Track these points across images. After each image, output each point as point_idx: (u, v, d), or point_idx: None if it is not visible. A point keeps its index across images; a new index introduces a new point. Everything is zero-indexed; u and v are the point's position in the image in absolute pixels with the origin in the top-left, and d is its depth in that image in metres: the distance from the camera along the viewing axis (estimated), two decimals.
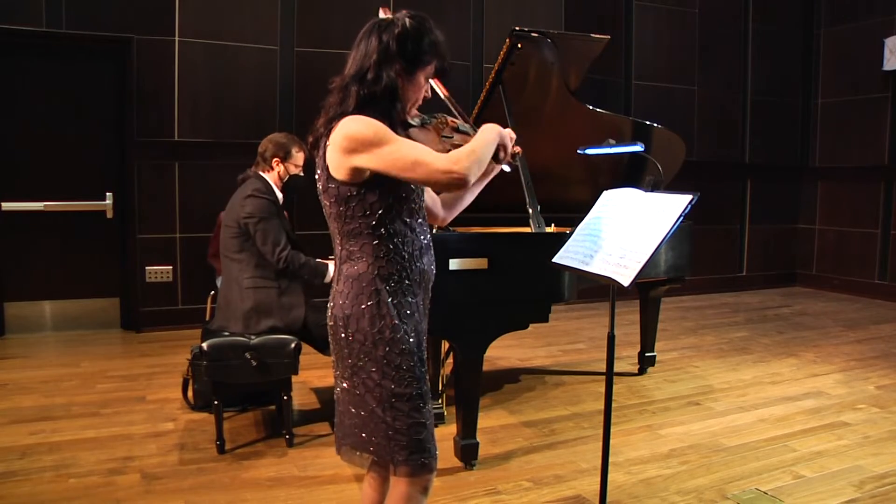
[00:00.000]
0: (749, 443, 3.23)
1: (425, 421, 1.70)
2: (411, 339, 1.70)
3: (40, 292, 5.15)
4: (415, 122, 1.77)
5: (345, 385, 1.74)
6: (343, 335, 1.69)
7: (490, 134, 1.71)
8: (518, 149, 1.81)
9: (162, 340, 5.04)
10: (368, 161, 1.59)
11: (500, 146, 1.74)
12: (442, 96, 1.82)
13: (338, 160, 1.62)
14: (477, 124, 1.96)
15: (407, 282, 1.70)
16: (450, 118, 1.82)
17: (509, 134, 1.77)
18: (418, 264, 1.73)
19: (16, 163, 4.99)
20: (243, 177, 4.40)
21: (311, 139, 1.73)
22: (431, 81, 1.79)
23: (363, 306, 1.66)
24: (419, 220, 1.74)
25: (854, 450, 3.15)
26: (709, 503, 2.64)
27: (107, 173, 5.24)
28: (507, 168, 1.83)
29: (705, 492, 2.73)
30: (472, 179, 1.61)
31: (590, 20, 6.44)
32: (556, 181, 3.81)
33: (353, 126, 1.59)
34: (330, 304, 1.74)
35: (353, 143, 1.58)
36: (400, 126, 1.71)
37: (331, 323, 1.73)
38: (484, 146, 1.67)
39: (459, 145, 1.77)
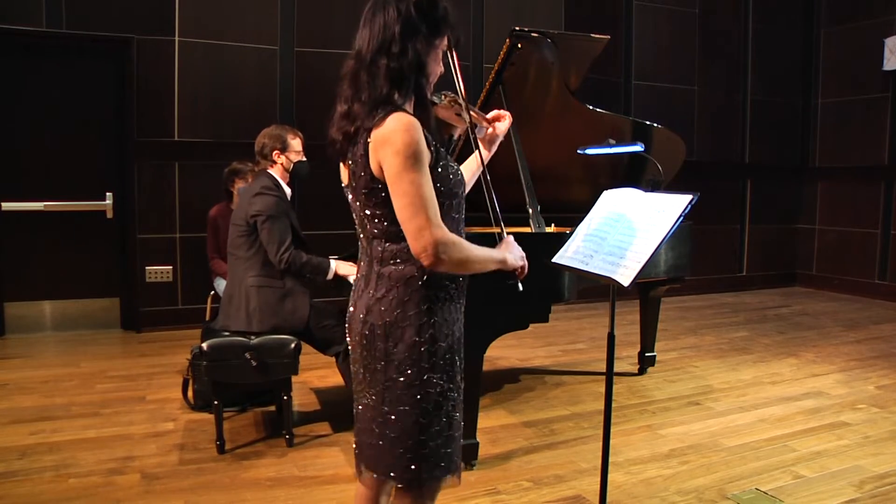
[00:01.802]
0: (749, 443, 3.23)
1: (455, 433, 1.63)
2: (455, 348, 1.61)
3: (40, 292, 5.15)
4: (435, 99, 1.72)
5: (370, 402, 1.61)
6: (381, 345, 1.56)
7: (495, 255, 1.63)
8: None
9: (162, 340, 5.04)
10: (387, 167, 1.48)
11: (516, 268, 1.70)
12: (456, 72, 1.73)
13: (374, 157, 1.49)
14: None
15: (454, 285, 1.61)
16: (456, 96, 1.79)
17: (521, 260, 1.71)
18: None
19: (16, 163, 4.99)
20: (230, 169, 4.42)
21: (342, 130, 1.56)
22: (451, 56, 1.70)
23: (411, 313, 1.54)
24: (462, 215, 1.66)
25: (854, 450, 3.15)
26: (709, 503, 2.64)
27: (107, 173, 5.24)
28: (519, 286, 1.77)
29: (705, 492, 2.73)
30: (437, 269, 1.51)
31: (590, 20, 6.44)
32: (556, 181, 3.81)
33: (400, 130, 1.46)
34: (363, 311, 1.59)
35: (388, 144, 1.47)
36: (428, 103, 1.62)
37: (366, 332, 1.58)
38: (480, 262, 1.58)
39: (472, 124, 1.77)
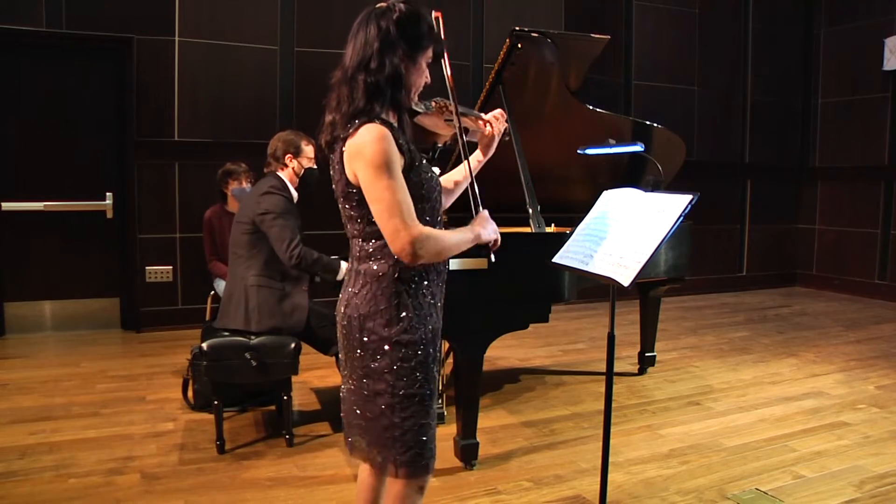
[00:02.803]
0: (749, 443, 3.23)
1: (431, 421, 1.70)
2: (427, 340, 1.68)
3: (40, 292, 5.15)
4: (419, 108, 1.78)
5: (351, 385, 1.74)
6: (358, 335, 1.68)
7: (468, 235, 1.72)
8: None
9: (162, 340, 5.04)
10: (361, 176, 1.58)
11: (490, 241, 1.78)
12: (446, 79, 1.81)
13: (349, 165, 1.61)
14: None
15: (426, 282, 1.70)
16: (448, 102, 1.83)
17: (494, 233, 1.79)
18: (436, 263, 1.72)
19: (16, 163, 4.99)
20: (223, 171, 4.43)
21: (325, 139, 1.69)
22: (443, 62, 1.78)
23: (382, 307, 1.65)
24: (438, 219, 1.75)
25: (854, 450, 3.15)
26: (709, 503, 2.65)
27: (107, 173, 5.25)
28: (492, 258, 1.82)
29: (705, 492, 2.73)
30: (417, 263, 1.60)
31: (590, 20, 6.45)
32: (556, 181, 3.81)
33: (370, 141, 1.56)
34: (343, 304, 1.72)
35: (361, 155, 1.57)
36: (406, 112, 1.71)
37: (344, 322, 1.72)
38: (457, 246, 1.68)
39: (463, 128, 1.80)
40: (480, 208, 1.82)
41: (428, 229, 1.61)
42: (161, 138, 5.24)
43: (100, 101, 5.18)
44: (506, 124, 1.95)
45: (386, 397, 1.66)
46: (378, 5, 1.66)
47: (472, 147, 1.95)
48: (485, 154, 1.96)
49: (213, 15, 5.30)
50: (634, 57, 6.84)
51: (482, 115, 1.92)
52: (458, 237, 1.69)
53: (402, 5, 1.65)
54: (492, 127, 1.91)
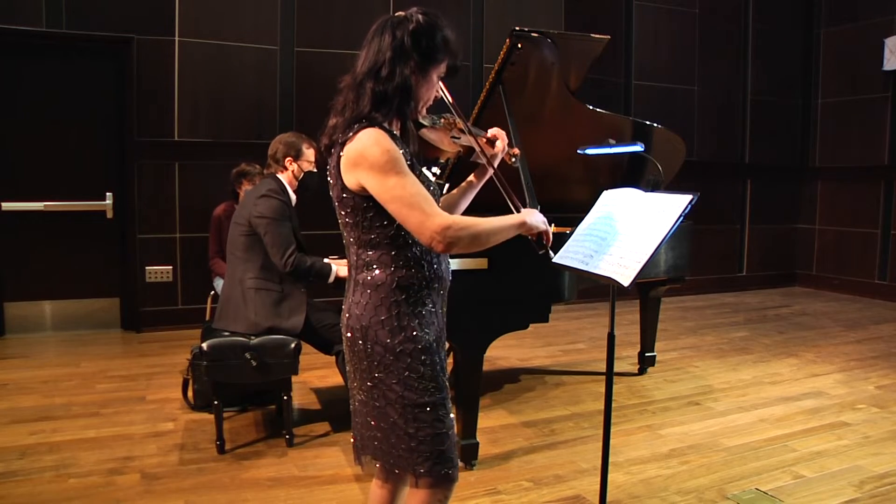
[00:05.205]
0: (749, 443, 3.24)
1: (447, 430, 1.66)
2: (432, 348, 1.65)
3: (40, 292, 5.15)
4: (425, 122, 1.76)
5: (363, 397, 1.70)
6: (361, 346, 1.65)
7: (510, 220, 1.67)
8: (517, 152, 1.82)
9: (162, 340, 5.04)
10: (370, 184, 1.55)
11: (542, 233, 1.74)
12: (447, 100, 1.79)
13: (349, 172, 1.58)
14: (476, 125, 1.97)
15: (426, 290, 1.66)
16: (457, 119, 1.82)
17: (543, 224, 1.74)
18: (437, 271, 1.69)
19: (16, 163, 4.99)
20: (238, 171, 4.42)
21: (325, 141, 1.67)
22: (439, 83, 1.74)
23: (382, 317, 1.62)
24: None
25: (854, 450, 3.15)
26: (709, 503, 2.65)
27: (107, 173, 5.24)
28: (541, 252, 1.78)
29: (705, 492, 2.73)
30: (455, 251, 1.55)
31: (590, 20, 6.45)
32: (557, 181, 3.81)
33: (370, 145, 1.54)
34: (345, 315, 1.69)
35: (363, 161, 1.54)
36: (412, 124, 1.70)
37: (347, 334, 1.68)
38: (495, 231, 1.63)
39: (468, 147, 1.79)
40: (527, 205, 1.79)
41: (457, 216, 1.56)
42: (161, 138, 5.24)
43: (100, 101, 5.18)
44: (515, 150, 1.90)
45: (397, 408, 1.63)
46: (396, 14, 1.64)
47: (474, 167, 1.93)
48: (478, 179, 1.91)
49: (213, 15, 5.30)
50: (634, 57, 6.84)
51: (488, 136, 1.88)
52: (497, 221, 1.63)
53: (419, 16, 1.62)
54: (495, 147, 1.86)
